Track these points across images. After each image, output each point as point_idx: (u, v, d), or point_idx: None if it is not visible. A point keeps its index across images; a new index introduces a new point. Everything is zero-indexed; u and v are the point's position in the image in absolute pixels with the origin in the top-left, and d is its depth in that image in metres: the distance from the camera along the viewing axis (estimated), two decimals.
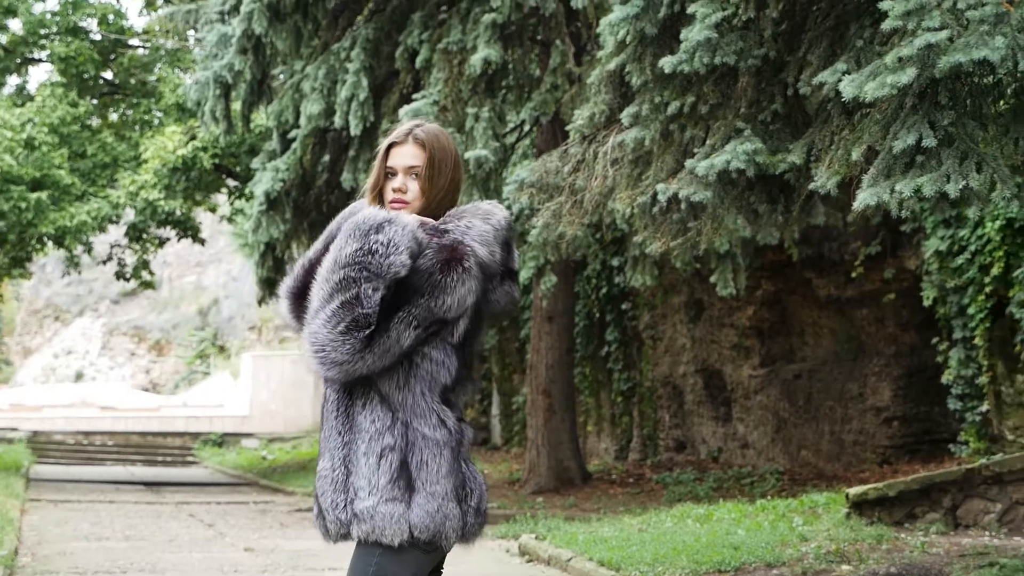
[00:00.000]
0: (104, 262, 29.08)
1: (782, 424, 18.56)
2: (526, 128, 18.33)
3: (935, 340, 15.48)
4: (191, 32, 23.76)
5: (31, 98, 26.62)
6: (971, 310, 14.39)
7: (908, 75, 6.54)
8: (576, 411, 20.34)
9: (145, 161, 25.17)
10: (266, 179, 17.82)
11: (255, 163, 18.95)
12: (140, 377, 53.35)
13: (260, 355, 40.83)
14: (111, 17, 26.85)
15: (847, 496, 11.11)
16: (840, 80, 7.09)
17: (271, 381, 38.37)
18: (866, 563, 9.20)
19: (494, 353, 26.58)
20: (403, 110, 15.04)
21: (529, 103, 16.09)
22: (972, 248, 14.27)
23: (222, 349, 51.44)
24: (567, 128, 10.81)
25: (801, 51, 8.28)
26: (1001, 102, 7.31)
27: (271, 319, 47.98)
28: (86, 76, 26.56)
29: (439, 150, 4.01)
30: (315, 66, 16.77)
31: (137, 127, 27.17)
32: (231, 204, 28.85)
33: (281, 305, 4.11)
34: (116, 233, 30.51)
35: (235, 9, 17.07)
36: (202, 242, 28.27)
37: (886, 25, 6.81)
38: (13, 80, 27.71)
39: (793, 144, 8.16)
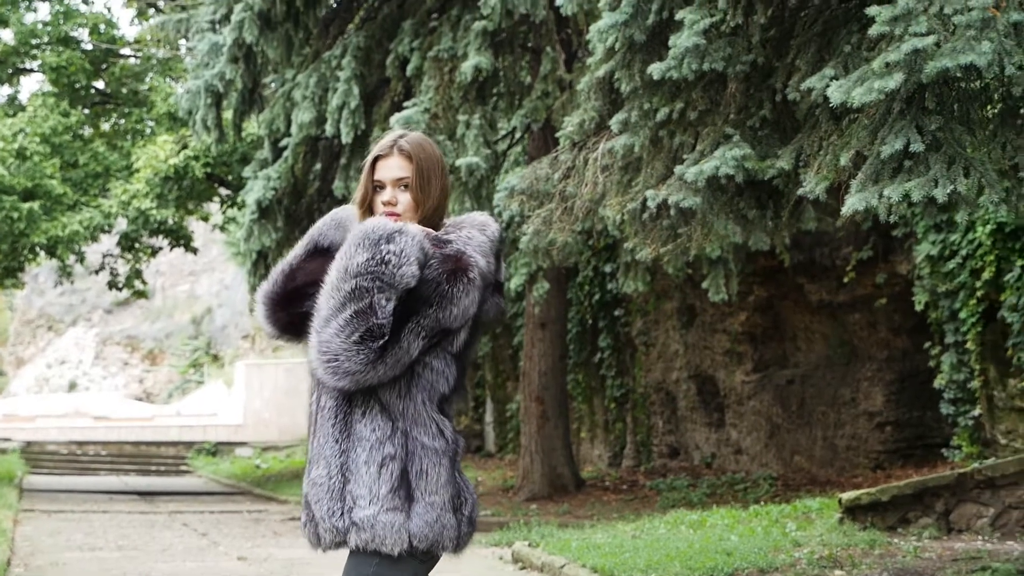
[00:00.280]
0: (96, 272, 29.03)
1: (775, 430, 18.57)
2: (517, 135, 18.34)
3: (927, 344, 15.49)
4: (182, 41, 23.79)
5: (23, 108, 26.57)
6: (963, 314, 14.41)
7: (895, 80, 6.55)
8: (569, 418, 20.33)
9: (137, 170, 25.13)
10: (258, 188, 17.81)
11: (247, 172, 18.95)
12: (133, 387, 53.26)
13: (253, 364, 40.78)
14: (102, 27, 26.83)
15: (840, 501, 11.11)
16: (828, 86, 7.10)
17: (265, 390, 38.33)
18: (859, 568, 9.20)
19: (487, 360, 26.58)
20: (394, 118, 15.06)
21: (520, 110, 16.09)
22: (963, 252, 14.29)
23: (216, 358, 51.38)
24: (557, 135, 10.82)
25: (789, 57, 8.30)
26: (988, 107, 7.32)
27: None
28: (78, 86, 26.54)
29: (425, 159, 4.01)
30: (306, 74, 16.77)
31: (129, 136, 27.14)
32: (223, 213, 28.82)
33: (258, 310, 4.10)
34: (108, 243, 30.49)
35: (226, 18, 17.06)
36: (194, 251, 28.23)
37: (873, 31, 6.82)
38: (4, 90, 27.89)
39: (782, 150, 8.17)
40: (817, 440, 17.84)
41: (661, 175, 8.89)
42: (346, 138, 15.88)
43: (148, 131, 26.82)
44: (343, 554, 3.93)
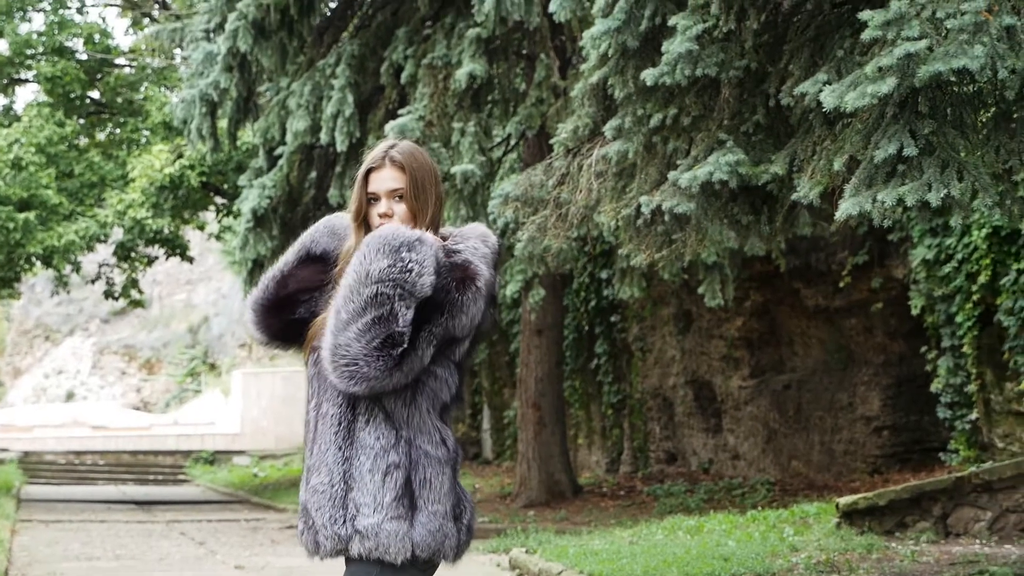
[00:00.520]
0: (93, 281, 29.00)
1: (772, 435, 18.56)
2: (512, 142, 18.34)
3: (924, 349, 15.49)
4: (177, 50, 23.79)
5: (18, 118, 26.55)
6: (959, 318, 14.41)
7: (888, 85, 6.55)
8: (566, 424, 20.33)
9: (132, 180, 25.11)
10: (253, 196, 17.81)
11: (242, 180, 18.95)
12: (131, 396, 53.21)
13: (251, 372, 40.74)
14: (97, 37, 26.82)
15: (837, 506, 11.10)
16: (821, 90, 7.10)
17: (262, 398, 38.30)
18: (856, 573, 9.19)
19: (484, 367, 26.57)
20: (389, 126, 15.05)
21: (515, 117, 16.10)
22: (959, 256, 14.29)
23: (213, 367, 51.34)
24: (552, 141, 10.82)
25: (782, 62, 8.30)
26: (982, 111, 7.32)
27: None
28: (73, 96, 26.52)
29: (418, 168, 3.99)
30: (300, 83, 16.77)
31: (124, 146, 27.11)
32: (219, 221, 28.80)
33: (247, 317, 4.09)
34: (104, 252, 30.45)
35: (220, 27, 17.05)
36: (190, 260, 28.21)
37: (866, 35, 6.82)
38: (0, 100, 27.71)
39: (775, 155, 8.17)
40: (814, 445, 17.84)
41: (655, 181, 8.88)
42: (341, 146, 15.87)
43: (143, 140, 26.81)
44: (340, 563, 3.92)
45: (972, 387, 14.48)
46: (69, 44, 26.58)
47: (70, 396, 53.02)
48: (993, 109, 7.30)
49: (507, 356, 25.46)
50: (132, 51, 28.27)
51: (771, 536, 11.20)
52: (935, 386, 15.07)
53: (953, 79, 6.67)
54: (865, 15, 6.82)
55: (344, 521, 3.80)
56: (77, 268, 25.91)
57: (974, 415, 14.49)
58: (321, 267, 4.07)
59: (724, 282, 14.64)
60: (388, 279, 3.69)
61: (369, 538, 3.77)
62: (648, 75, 8.13)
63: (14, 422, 43.18)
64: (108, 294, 28.78)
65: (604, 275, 21.06)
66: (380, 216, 3.96)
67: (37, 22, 62.09)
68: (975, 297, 14.17)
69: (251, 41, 16.20)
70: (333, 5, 18.39)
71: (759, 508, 14.42)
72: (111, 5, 29.91)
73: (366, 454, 3.82)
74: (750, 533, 11.58)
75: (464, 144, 15.17)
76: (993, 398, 14.33)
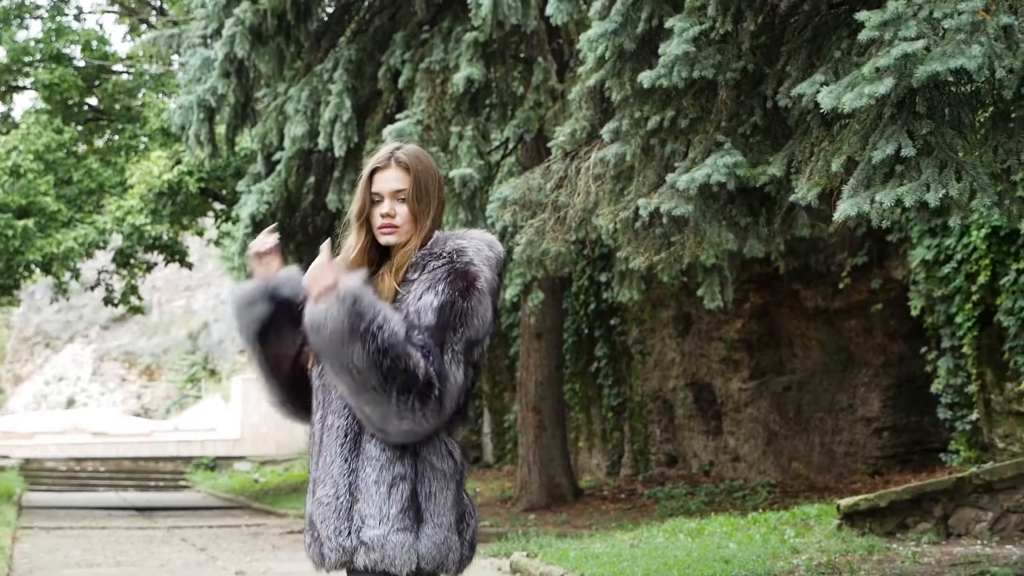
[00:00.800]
0: (92, 288, 29.02)
1: (773, 437, 18.55)
2: (510, 146, 18.33)
3: (923, 349, 15.48)
4: (174, 57, 23.78)
5: (16, 125, 26.58)
6: (959, 319, 14.40)
7: (886, 85, 6.54)
8: (567, 427, 20.31)
9: (131, 186, 25.12)
10: (251, 202, 17.80)
11: (240, 186, 18.93)
12: (131, 402, 53.20)
13: (251, 378, 40.61)
14: (95, 43, 26.84)
15: (838, 507, 11.09)
16: (818, 91, 7.09)
17: (262, 404, 37.98)
18: (857, 574, 9.18)
19: (484, 371, 26.56)
20: (387, 130, 15.04)
21: (513, 121, 16.09)
22: (958, 257, 14.28)
23: (213, 373, 51.32)
24: (549, 145, 10.81)
25: (779, 63, 8.29)
26: (979, 111, 7.31)
27: None
28: (71, 103, 26.53)
29: (423, 171, 3.98)
30: (298, 88, 16.76)
31: (122, 152, 27.13)
32: (218, 227, 28.81)
33: (283, 416, 4.12)
34: (104, 259, 30.45)
35: (217, 33, 17.05)
36: (189, 266, 28.22)
37: (863, 36, 6.81)
38: None
39: (773, 156, 8.16)
40: (815, 446, 17.82)
41: (653, 183, 8.88)
42: (339, 151, 15.86)
43: (141, 147, 26.83)
44: (343, 573, 3.90)
45: (972, 387, 14.47)
46: (67, 51, 26.60)
47: (70, 403, 53.02)
48: (991, 109, 7.30)
49: (507, 360, 25.46)
50: (130, 57, 28.28)
51: (772, 538, 11.19)
52: (935, 387, 15.06)
53: (951, 79, 6.67)
54: (862, 16, 6.81)
55: (349, 533, 3.78)
56: (76, 275, 25.91)
57: (974, 416, 14.48)
58: (287, 308, 4.02)
59: (723, 284, 14.61)
60: (374, 356, 3.62)
61: (375, 550, 3.75)
62: (645, 77, 8.12)
63: (15, 429, 43.20)
64: (108, 301, 28.78)
65: (603, 278, 21.05)
66: (382, 216, 3.94)
67: (35, 29, 62.09)
68: (975, 297, 14.16)
69: (248, 47, 16.20)
70: (330, 10, 18.39)
71: (760, 510, 14.40)
72: (108, 12, 29.93)
73: (372, 466, 3.80)
74: (751, 535, 11.57)
75: (462, 148, 15.16)
76: (993, 398, 14.31)
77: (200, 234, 29.56)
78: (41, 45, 26.18)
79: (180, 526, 19.98)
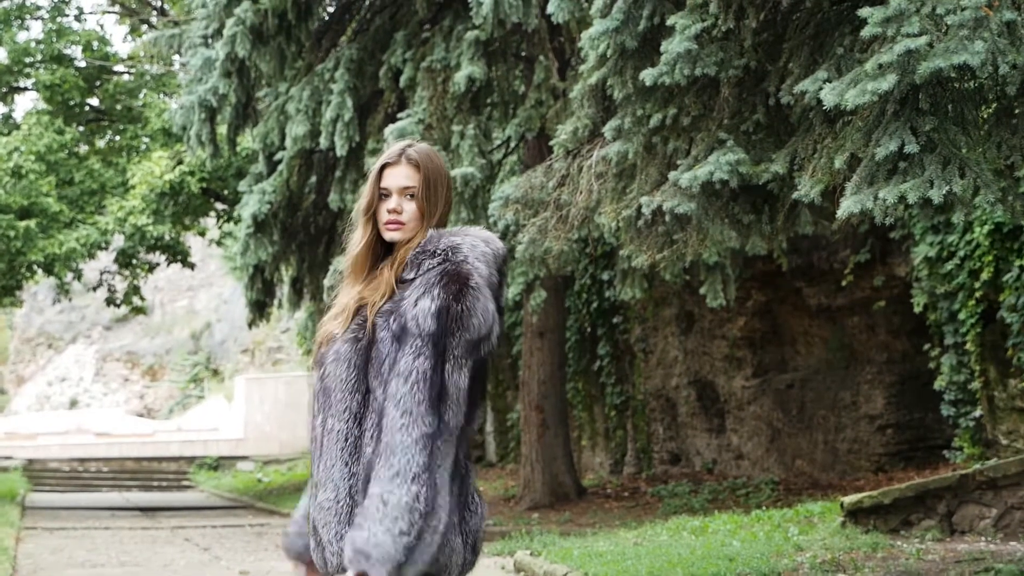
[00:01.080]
0: (94, 289, 29.00)
1: (776, 434, 18.53)
2: (512, 144, 18.31)
3: (927, 346, 15.46)
4: (175, 57, 23.73)
5: (17, 126, 26.57)
6: (962, 315, 14.39)
7: (889, 82, 6.53)
8: (570, 426, 20.30)
9: (133, 187, 25.12)
10: (253, 202, 17.79)
11: (242, 186, 18.92)
12: (134, 403, 53.18)
13: (253, 378, 40.71)
14: (96, 44, 26.83)
15: (842, 505, 11.08)
16: (821, 88, 7.08)
17: (265, 403, 38.28)
18: (862, 572, 9.17)
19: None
20: (388, 129, 15.03)
21: (514, 119, 16.08)
22: (961, 254, 14.27)
23: (215, 373, 51.30)
24: (551, 143, 10.79)
25: (782, 60, 8.27)
26: (983, 107, 7.30)
27: (263, 341, 47.90)
28: (72, 103, 26.52)
29: (433, 170, 3.97)
30: (299, 87, 16.75)
31: (124, 153, 27.11)
32: (220, 227, 28.80)
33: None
34: (106, 259, 30.43)
35: (218, 33, 17.03)
36: (192, 266, 28.20)
37: (866, 32, 6.80)
38: None
39: (776, 153, 8.15)
40: (818, 444, 17.81)
41: (655, 181, 8.86)
42: (340, 150, 15.85)
43: (143, 147, 26.82)
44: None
45: (976, 384, 14.45)
46: (68, 52, 26.59)
47: (73, 403, 53.00)
48: (994, 105, 7.29)
49: (509, 359, 25.44)
50: (131, 58, 28.26)
51: (776, 536, 11.18)
52: (938, 384, 15.05)
53: (954, 75, 6.66)
54: (865, 12, 6.80)
55: None
56: (78, 276, 25.89)
57: (978, 412, 14.47)
58: None
59: (726, 282, 14.60)
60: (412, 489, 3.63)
61: None
62: (647, 75, 8.10)
63: (18, 430, 43.18)
64: (110, 301, 28.76)
65: (605, 276, 21.04)
66: (389, 212, 3.91)
67: (35, 30, 62.01)
68: (978, 294, 14.14)
69: (249, 46, 16.19)
70: (331, 9, 18.37)
71: (763, 508, 14.39)
72: (109, 12, 29.92)
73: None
74: (755, 533, 11.56)
75: (464, 147, 15.14)
76: (997, 395, 14.30)
77: (202, 234, 29.55)
78: (42, 46, 26.17)
79: (184, 526, 19.97)
